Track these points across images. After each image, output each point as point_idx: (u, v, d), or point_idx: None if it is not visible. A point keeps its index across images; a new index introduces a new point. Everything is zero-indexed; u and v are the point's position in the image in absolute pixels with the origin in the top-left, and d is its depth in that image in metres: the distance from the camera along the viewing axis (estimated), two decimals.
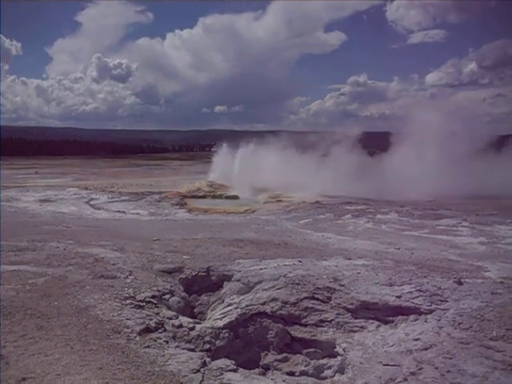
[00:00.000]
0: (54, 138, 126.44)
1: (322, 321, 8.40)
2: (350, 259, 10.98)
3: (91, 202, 24.91)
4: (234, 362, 6.84)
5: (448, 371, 6.12)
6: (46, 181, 38.59)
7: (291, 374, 8.19)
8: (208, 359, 6.53)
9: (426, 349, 6.75)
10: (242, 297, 9.26)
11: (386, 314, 8.12)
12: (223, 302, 9.48)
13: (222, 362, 6.62)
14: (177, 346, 6.80)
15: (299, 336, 8.42)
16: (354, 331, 8.04)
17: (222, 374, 6.23)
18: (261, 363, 8.50)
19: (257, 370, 8.32)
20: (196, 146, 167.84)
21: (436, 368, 6.27)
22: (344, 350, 7.62)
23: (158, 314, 7.65)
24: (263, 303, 8.85)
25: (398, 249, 12.81)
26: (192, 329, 7.65)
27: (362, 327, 8.06)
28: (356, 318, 8.23)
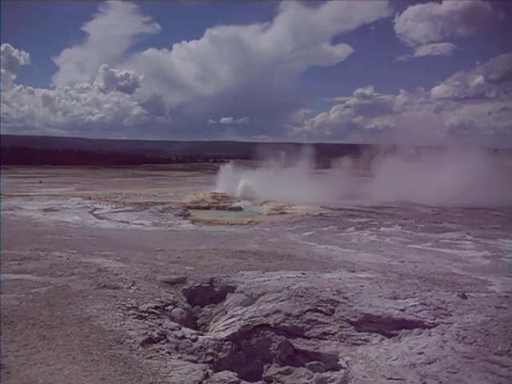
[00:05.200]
0: (59, 148, 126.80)
1: (325, 333, 8.37)
2: (353, 272, 10.94)
3: (94, 212, 24.89)
4: (236, 374, 6.81)
5: None
6: (49, 190, 38.65)
7: None
8: (210, 371, 6.50)
9: (429, 363, 6.72)
10: (245, 308, 9.24)
11: (389, 327, 8.08)
12: (226, 313, 9.45)
13: (225, 374, 6.59)
14: (179, 358, 6.77)
15: (302, 348, 8.39)
16: (358, 344, 8.01)
17: None
18: (263, 375, 8.46)
19: (259, 383, 8.30)
20: (200, 157, 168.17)
21: (440, 382, 6.24)
22: (347, 363, 7.59)
23: (160, 324, 7.63)
24: (266, 315, 8.82)
25: (402, 262, 12.77)
26: (195, 340, 7.62)
27: (365, 340, 8.03)
28: (359, 331, 8.20)
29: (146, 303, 8.24)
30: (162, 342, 7.05)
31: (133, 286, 9.08)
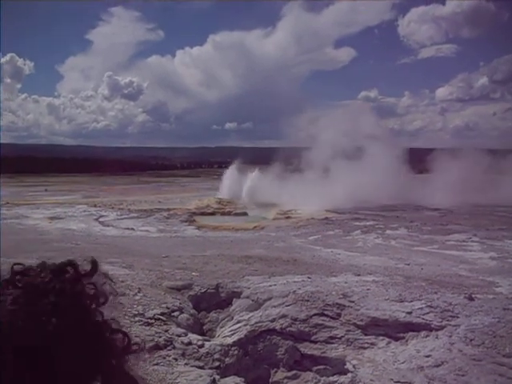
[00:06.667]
0: (64, 156, 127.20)
1: (331, 337, 8.34)
2: (359, 275, 10.91)
3: (100, 219, 24.94)
4: (243, 379, 6.81)
5: None
6: (55, 198, 38.74)
7: None
8: (217, 377, 6.50)
9: (437, 366, 6.68)
10: (251, 314, 9.22)
11: (396, 330, 8.05)
12: (232, 318, 9.44)
13: (232, 380, 6.60)
14: (186, 364, 6.77)
15: (309, 353, 8.36)
16: (364, 348, 7.97)
17: None
18: (270, 380, 8.43)
19: None
20: (205, 163, 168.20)
21: None
22: (354, 366, 7.55)
23: (167, 331, 7.64)
24: (272, 320, 8.80)
25: (408, 264, 12.73)
26: (201, 346, 7.62)
27: (372, 344, 7.99)
28: (366, 335, 8.16)
29: (152, 310, 8.25)
30: (168, 348, 7.05)
31: (139, 292, 9.08)
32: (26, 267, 0.97)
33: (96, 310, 0.97)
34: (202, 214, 29.61)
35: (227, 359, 8.02)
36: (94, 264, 1.03)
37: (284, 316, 8.78)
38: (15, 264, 0.97)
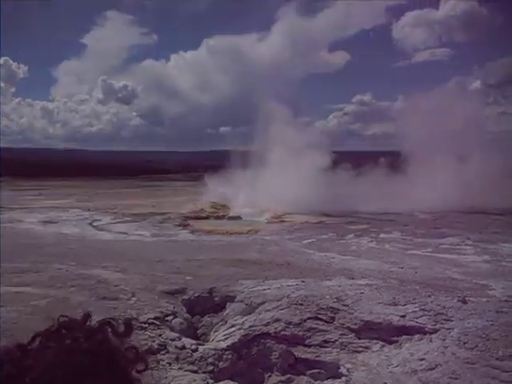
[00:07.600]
0: (58, 159, 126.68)
1: (325, 341, 8.33)
2: (353, 279, 10.92)
3: (94, 224, 24.81)
4: (237, 383, 6.79)
5: None
6: (49, 202, 38.53)
7: None
8: (211, 381, 6.49)
9: (431, 369, 6.69)
10: (245, 318, 9.21)
11: (390, 333, 8.06)
12: (226, 323, 9.42)
13: None
14: (180, 368, 6.76)
15: (303, 357, 8.34)
16: (358, 351, 7.98)
17: None
18: None
19: None
20: (200, 167, 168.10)
21: None
22: (348, 370, 7.55)
23: (160, 335, 7.62)
24: (266, 324, 8.79)
25: (402, 268, 12.74)
26: (195, 350, 7.60)
27: (366, 347, 8.00)
28: (360, 339, 8.17)
29: (145, 314, 8.23)
30: (162, 352, 7.03)
31: (133, 297, 9.07)
32: (72, 321, 0.99)
33: (135, 377, 0.95)
34: (196, 217, 29.51)
35: (221, 363, 8.00)
36: (129, 325, 1.02)
37: (278, 320, 8.77)
38: (61, 316, 1.01)
